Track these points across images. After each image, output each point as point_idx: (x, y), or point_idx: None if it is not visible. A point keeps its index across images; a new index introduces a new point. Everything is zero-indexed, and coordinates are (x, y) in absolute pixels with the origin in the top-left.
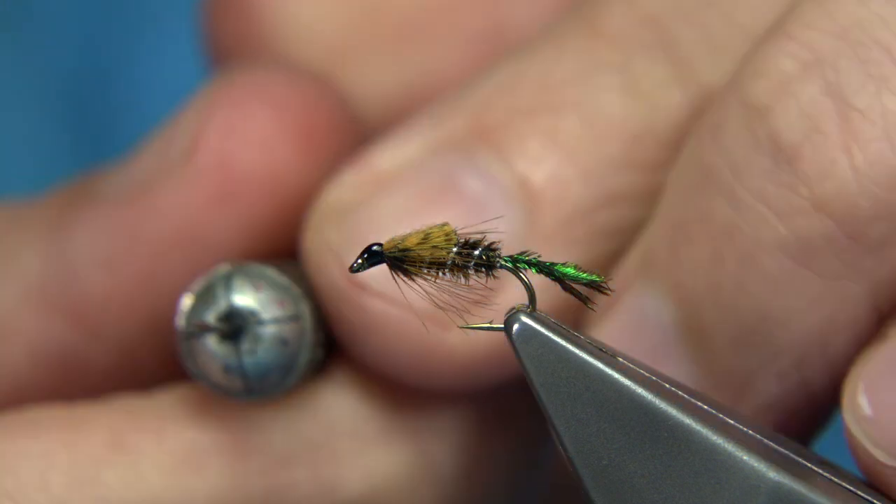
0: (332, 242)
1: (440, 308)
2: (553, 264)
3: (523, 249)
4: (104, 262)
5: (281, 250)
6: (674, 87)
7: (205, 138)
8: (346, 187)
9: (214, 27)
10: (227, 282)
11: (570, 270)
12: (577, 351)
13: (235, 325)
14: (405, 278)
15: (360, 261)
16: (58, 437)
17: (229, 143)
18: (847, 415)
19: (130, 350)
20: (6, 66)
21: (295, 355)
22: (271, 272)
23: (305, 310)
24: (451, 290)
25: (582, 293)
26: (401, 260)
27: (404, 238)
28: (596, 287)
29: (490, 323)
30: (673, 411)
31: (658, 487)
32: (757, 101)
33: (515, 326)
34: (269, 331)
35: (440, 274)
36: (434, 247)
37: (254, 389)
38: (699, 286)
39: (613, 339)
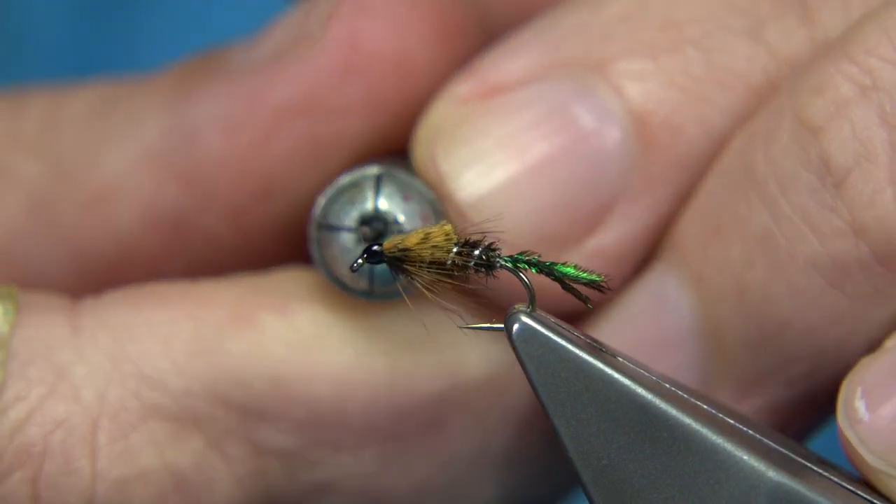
0: (439, 162)
1: (441, 306)
2: (553, 264)
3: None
4: (222, 126)
5: (401, 135)
6: (797, 40)
7: (337, 14)
8: (456, 102)
9: None
10: (377, 184)
11: (570, 270)
12: (576, 351)
13: (376, 230)
14: (405, 278)
15: (360, 260)
16: (182, 308)
17: (360, 19)
18: (842, 418)
19: (240, 218)
20: None
21: None
22: (420, 184)
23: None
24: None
25: (581, 292)
26: (401, 259)
27: (404, 237)
28: (595, 286)
29: (491, 322)
30: (672, 411)
31: (657, 487)
32: (812, 119)
33: (515, 326)
34: None
35: (440, 273)
36: (434, 246)
37: (374, 293)
38: (724, 285)
39: (629, 317)
